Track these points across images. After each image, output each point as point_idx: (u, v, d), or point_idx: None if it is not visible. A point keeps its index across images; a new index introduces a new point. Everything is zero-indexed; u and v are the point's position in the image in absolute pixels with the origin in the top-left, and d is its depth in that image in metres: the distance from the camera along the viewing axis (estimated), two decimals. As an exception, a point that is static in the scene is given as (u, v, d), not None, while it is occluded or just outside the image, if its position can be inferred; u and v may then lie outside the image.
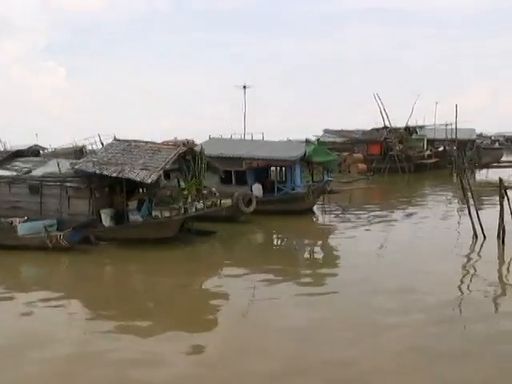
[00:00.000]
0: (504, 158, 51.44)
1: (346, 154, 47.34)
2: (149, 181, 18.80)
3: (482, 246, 18.91)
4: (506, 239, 18.53)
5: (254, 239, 23.21)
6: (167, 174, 21.66)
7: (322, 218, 26.95)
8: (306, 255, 20.38)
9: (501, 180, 18.90)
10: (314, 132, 55.82)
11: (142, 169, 19.35)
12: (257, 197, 25.58)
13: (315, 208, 27.81)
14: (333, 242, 21.47)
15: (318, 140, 35.83)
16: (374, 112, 50.37)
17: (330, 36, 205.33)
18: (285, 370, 9.27)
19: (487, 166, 44.39)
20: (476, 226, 19.43)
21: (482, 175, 44.86)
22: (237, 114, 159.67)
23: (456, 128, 47.91)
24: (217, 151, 26.55)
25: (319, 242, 21.79)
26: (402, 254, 18.29)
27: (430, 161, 48.76)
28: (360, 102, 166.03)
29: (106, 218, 19.71)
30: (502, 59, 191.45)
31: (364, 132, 52.60)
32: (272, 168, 28.29)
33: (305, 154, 26.45)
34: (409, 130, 53.36)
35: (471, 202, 19.70)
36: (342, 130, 53.26)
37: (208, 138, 30.66)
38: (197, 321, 12.30)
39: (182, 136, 48.32)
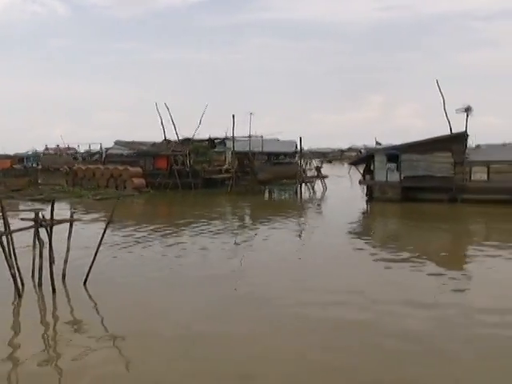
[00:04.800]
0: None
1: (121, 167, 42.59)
2: None
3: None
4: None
5: None
6: None
7: None
8: None
9: (36, 214, 13.81)
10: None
11: None
12: None
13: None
14: None
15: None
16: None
17: (232, 47, 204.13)
18: None
19: (264, 182, 40.10)
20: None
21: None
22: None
23: (251, 141, 43.71)
24: None
25: None
26: None
27: (220, 176, 44.16)
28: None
29: None
30: (395, 73, 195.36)
31: (153, 144, 47.55)
32: None
33: None
34: (212, 143, 49.03)
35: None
36: (132, 142, 47.99)
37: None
38: None
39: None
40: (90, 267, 13.60)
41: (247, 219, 29.22)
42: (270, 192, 40.62)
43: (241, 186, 40.26)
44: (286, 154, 54.08)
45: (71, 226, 13.58)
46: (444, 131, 35.82)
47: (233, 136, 42.48)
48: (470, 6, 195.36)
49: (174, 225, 25.00)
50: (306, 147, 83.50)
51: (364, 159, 38.09)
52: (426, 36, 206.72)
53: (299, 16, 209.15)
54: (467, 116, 37.41)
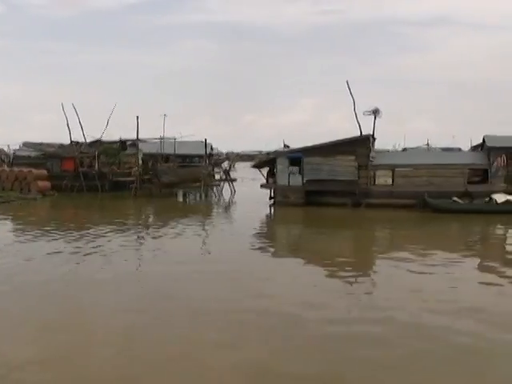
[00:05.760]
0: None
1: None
2: None
3: None
4: None
5: None
6: None
7: None
8: None
9: None
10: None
11: None
12: None
13: None
14: None
15: None
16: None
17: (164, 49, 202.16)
18: None
19: (169, 186, 39.31)
20: None
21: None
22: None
23: (165, 143, 42.85)
24: None
25: None
26: None
27: (128, 179, 42.81)
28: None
29: None
30: (329, 76, 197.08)
31: (61, 146, 46.15)
32: None
33: None
34: (123, 145, 47.82)
35: None
36: (40, 143, 46.46)
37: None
38: None
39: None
40: None
41: (145, 225, 28.02)
42: (175, 196, 39.87)
43: (146, 190, 39.40)
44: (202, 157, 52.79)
45: None
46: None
47: (137, 138, 41.81)
48: (401, 13, 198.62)
49: (64, 230, 23.76)
50: (238, 150, 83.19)
51: (267, 162, 37.34)
52: (360, 40, 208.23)
53: (234, 18, 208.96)
54: (375, 118, 37.25)
